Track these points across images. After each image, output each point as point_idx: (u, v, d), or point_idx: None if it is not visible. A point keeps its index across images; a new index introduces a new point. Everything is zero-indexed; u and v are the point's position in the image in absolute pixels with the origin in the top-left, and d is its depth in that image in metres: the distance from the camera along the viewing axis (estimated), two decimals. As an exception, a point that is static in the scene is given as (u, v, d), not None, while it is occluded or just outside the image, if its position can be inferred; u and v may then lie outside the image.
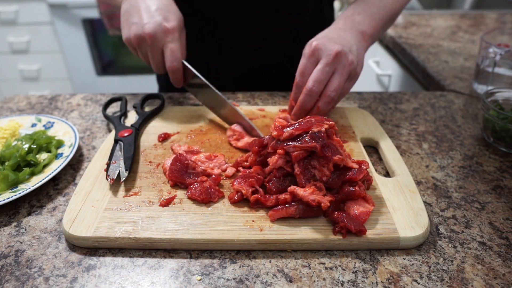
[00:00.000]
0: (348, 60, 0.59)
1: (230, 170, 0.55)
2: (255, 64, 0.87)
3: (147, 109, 0.71)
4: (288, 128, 0.49)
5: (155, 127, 0.67)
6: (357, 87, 1.57)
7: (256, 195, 0.48)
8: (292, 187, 0.47)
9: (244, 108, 0.72)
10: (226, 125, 0.67)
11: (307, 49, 0.61)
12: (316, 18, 0.87)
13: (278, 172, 0.50)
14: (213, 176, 0.54)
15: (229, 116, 0.66)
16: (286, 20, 0.82)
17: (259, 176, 0.51)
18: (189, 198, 0.50)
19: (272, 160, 0.49)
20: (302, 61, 0.61)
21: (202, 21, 0.82)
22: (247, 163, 0.55)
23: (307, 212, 0.46)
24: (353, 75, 0.61)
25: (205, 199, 0.49)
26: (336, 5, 2.01)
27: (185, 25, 0.77)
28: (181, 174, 0.53)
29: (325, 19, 0.91)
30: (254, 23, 0.82)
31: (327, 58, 0.58)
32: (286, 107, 0.73)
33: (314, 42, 0.60)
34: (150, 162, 0.58)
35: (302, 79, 0.61)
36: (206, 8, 0.80)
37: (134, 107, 0.72)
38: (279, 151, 0.48)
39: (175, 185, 0.53)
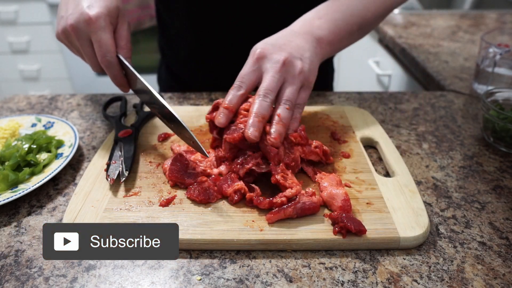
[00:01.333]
0: (297, 69, 0.54)
1: (224, 168, 0.55)
2: None
3: (147, 109, 0.71)
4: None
5: (155, 127, 0.67)
6: (357, 87, 1.57)
7: (251, 194, 0.48)
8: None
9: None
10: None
11: (251, 55, 0.56)
12: None
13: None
14: (213, 176, 0.54)
15: (174, 130, 0.57)
16: (289, 20, 0.82)
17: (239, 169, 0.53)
18: (188, 198, 0.50)
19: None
20: (244, 68, 0.56)
21: (208, 22, 0.81)
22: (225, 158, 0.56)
23: (304, 211, 0.47)
24: (306, 84, 0.56)
25: (204, 200, 0.49)
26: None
27: (188, 25, 0.75)
28: (181, 174, 0.53)
29: None
30: (259, 25, 0.81)
31: (274, 67, 0.54)
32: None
33: (258, 49, 0.55)
34: (150, 162, 0.58)
35: (241, 83, 0.55)
36: (213, 10, 0.80)
37: (134, 107, 0.72)
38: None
39: (175, 185, 0.53)
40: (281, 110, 0.53)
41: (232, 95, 0.54)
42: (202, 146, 0.52)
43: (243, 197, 0.49)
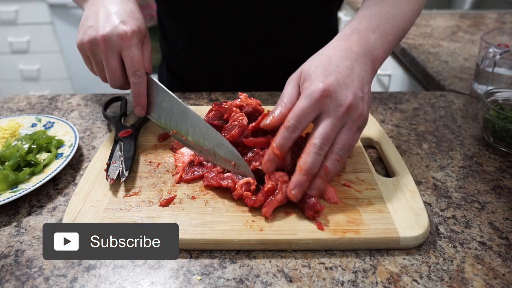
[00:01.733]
0: (359, 112, 0.48)
1: None
2: (258, 67, 0.87)
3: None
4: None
5: (155, 127, 0.67)
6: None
7: (247, 193, 0.49)
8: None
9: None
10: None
11: (313, 90, 0.47)
12: (323, 23, 0.86)
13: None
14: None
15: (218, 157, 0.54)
16: (292, 25, 0.81)
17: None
18: (205, 186, 0.52)
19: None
20: (303, 103, 0.47)
21: (207, 24, 0.81)
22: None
23: None
24: (362, 126, 0.50)
25: (216, 183, 0.51)
26: (336, 5, 2.01)
27: (187, 25, 0.75)
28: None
29: (331, 25, 0.90)
30: (259, 27, 0.81)
31: (337, 112, 0.47)
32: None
33: (321, 83, 0.47)
34: (150, 162, 0.58)
35: (297, 125, 0.47)
36: (212, 11, 0.80)
37: (134, 107, 0.72)
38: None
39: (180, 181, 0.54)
40: (330, 162, 0.47)
41: (284, 139, 0.47)
42: (246, 164, 0.51)
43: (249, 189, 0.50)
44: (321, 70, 0.48)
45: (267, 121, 0.50)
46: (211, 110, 0.59)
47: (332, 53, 0.51)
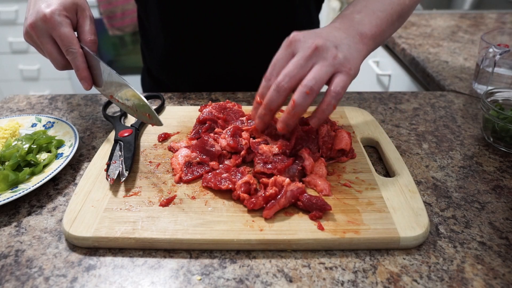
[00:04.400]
0: (331, 54, 0.49)
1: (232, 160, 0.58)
2: (239, 67, 0.85)
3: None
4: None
5: (155, 127, 0.67)
6: (357, 87, 1.57)
7: (243, 195, 0.49)
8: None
9: (244, 108, 0.72)
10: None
11: (284, 41, 0.52)
12: (307, 19, 0.86)
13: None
14: (226, 163, 0.56)
15: (133, 111, 0.58)
16: (276, 22, 0.80)
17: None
18: (204, 187, 0.52)
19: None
20: (277, 54, 0.52)
21: (196, 22, 0.80)
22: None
23: (295, 197, 0.48)
24: (343, 70, 0.49)
25: (215, 186, 0.51)
26: (336, 5, 2.02)
27: (161, 26, 0.74)
28: (202, 148, 0.57)
29: (313, 21, 0.89)
30: (239, 26, 0.80)
31: (303, 51, 0.49)
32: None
33: (292, 35, 0.51)
34: (150, 162, 0.58)
35: (272, 71, 0.51)
36: (199, 10, 0.79)
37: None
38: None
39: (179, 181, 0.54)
40: (297, 95, 0.48)
41: (263, 88, 0.52)
42: (157, 115, 0.53)
43: (248, 193, 0.50)
44: (297, 31, 0.52)
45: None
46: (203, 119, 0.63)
47: (313, 29, 0.54)
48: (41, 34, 0.56)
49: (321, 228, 0.46)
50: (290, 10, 0.80)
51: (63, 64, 0.59)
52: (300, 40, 0.50)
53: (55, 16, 0.55)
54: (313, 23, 0.90)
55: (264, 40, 0.81)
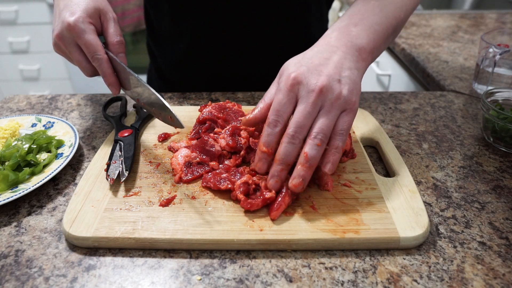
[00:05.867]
0: (335, 94, 0.47)
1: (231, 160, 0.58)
2: (255, 68, 0.86)
3: (147, 109, 0.71)
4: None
5: (155, 127, 0.67)
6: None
7: (240, 196, 0.49)
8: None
9: (244, 108, 0.72)
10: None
11: (284, 81, 0.48)
12: (318, 19, 0.86)
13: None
14: (226, 163, 0.56)
15: (157, 113, 0.57)
16: (290, 23, 0.81)
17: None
18: (203, 187, 0.52)
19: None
20: (278, 96, 0.48)
21: (205, 24, 0.81)
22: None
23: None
24: (348, 108, 0.49)
25: (215, 186, 0.51)
26: (337, 5, 2.01)
27: (189, 27, 0.74)
28: (201, 148, 0.57)
29: (323, 20, 0.90)
30: (258, 26, 0.80)
31: (308, 97, 0.47)
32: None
33: (293, 73, 0.48)
34: (150, 162, 0.58)
35: (277, 118, 0.48)
36: (210, 11, 0.79)
37: (134, 107, 0.72)
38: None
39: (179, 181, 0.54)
40: (309, 148, 0.46)
41: (268, 136, 0.48)
42: (178, 118, 0.51)
43: (247, 194, 0.50)
44: (294, 64, 0.50)
45: (248, 117, 0.52)
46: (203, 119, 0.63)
47: (309, 50, 0.52)
48: (68, 44, 0.57)
49: (314, 208, 0.49)
50: (304, 8, 0.81)
51: (92, 71, 0.60)
52: (302, 82, 0.48)
53: (79, 24, 0.56)
54: (323, 22, 0.90)
55: (279, 39, 0.82)
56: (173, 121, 0.53)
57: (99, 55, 0.57)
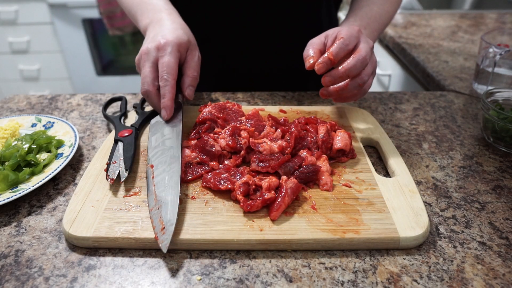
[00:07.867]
0: (374, 57, 0.62)
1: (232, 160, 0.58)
2: (262, 67, 0.86)
3: (147, 109, 0.71)
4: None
5: (155, 127, 0.67)
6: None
7: (240, 197, 0.49)
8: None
9: (244, 108, 0.72)
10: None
11: (355, 31, 0.59)
12: (327, 20, 0.87)
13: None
14: (226, 163, 0.56)
15: None
16: (302, 22, 0.82)
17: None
18: (203, 187, 0.52)
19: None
20: (344, 32, 0.59)
21: (215, 24, 0.81)
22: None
23: (296, 190, 0.49)
24: (374, 73, 0.63)
25: (215, 186, 0.51)
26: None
27: (198, 26, 0.75)
28: (202, 147, 0.57)
29: (332, 21, 0.90)
30: (267, 26, 0.81)
31: (366, 49, 0.58)
32: (286, 107, 0.73)
33: (357, 27, 0.61)
34: (150, 162, 0.58)
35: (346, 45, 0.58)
36: (220, 12, 0.79)
37: (134, 107, 0.72)
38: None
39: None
40: (352, 83, 0.59)
41: (339, 48, 0.57)
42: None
43: (247, 194, 0.50)
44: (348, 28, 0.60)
45: (311, 58, 0.59)
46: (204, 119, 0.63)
47: None
48: (147, 58, 0.61)
49: (314, 208, 0.48)
50: (316, 9, 0.82)
51: (147, 88, 0.61)
52: (363, 34, 0.61)
53: (168, 46, 0.60)
54: (332, 23, 0.90)
55: (290, 39, 0.82)
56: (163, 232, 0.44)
57: (169, 77, 0.60)
